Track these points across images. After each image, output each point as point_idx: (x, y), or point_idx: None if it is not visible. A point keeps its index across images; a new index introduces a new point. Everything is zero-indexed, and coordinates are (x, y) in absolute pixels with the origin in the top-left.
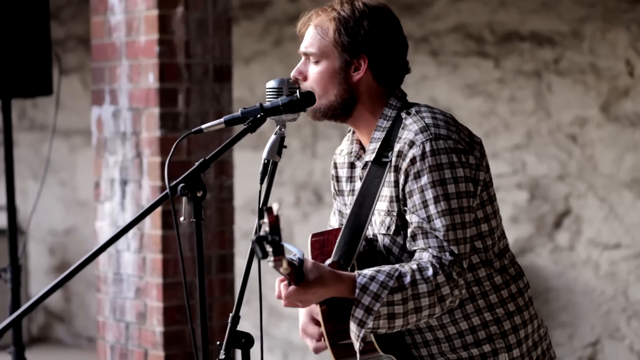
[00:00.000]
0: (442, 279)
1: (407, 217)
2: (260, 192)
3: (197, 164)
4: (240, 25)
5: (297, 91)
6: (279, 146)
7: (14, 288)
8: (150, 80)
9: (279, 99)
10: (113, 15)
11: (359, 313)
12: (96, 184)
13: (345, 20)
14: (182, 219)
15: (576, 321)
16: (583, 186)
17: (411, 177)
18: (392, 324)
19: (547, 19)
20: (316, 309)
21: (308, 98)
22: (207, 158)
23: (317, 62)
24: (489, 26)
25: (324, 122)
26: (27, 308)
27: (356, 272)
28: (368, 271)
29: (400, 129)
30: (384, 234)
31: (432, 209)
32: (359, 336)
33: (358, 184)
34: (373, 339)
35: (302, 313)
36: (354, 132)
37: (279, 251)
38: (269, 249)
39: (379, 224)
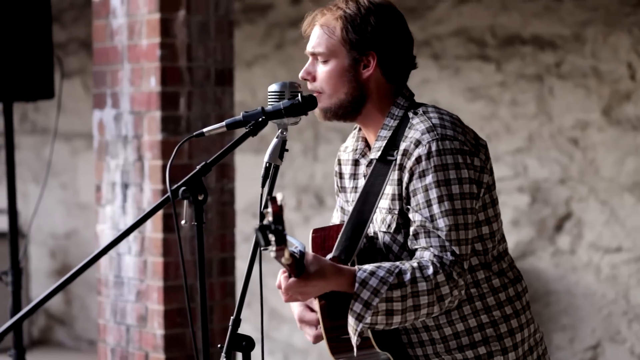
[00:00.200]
0: (442, 278)
1: (410, 215)
2: (261, 195)
3: (198, 167)
4: (242, 29)
5: (299, 95)
6: (281, 149)
7: (15, 291)
8: (152, 83)
9: (281, 102)
10: (115, 18)
11: (357, 307)
12: (97, 187)
13: (352, 17)
14: (183, 222)
15: (577, 324)
16: (584, 190)
17: (416, 175)
18: (390, 320)
19: (548, 23)
20: (312, 301)
21: (310, 102)
22: (208, 161)
23: (325, 62)
24: (491, 30)
25: (326, 125)
26: (28, 311)
27: (356, 267)
28: (368, 266)
29: (407, 128)
30: (384, 232)
31: (435, 208)
32: (356, 330)
33: (361, 182)
34: (370, 336)
35: (295, 305)
36: (360, 130)
37: (282, 240)
38: (272, 238)
39: (380, 222)
